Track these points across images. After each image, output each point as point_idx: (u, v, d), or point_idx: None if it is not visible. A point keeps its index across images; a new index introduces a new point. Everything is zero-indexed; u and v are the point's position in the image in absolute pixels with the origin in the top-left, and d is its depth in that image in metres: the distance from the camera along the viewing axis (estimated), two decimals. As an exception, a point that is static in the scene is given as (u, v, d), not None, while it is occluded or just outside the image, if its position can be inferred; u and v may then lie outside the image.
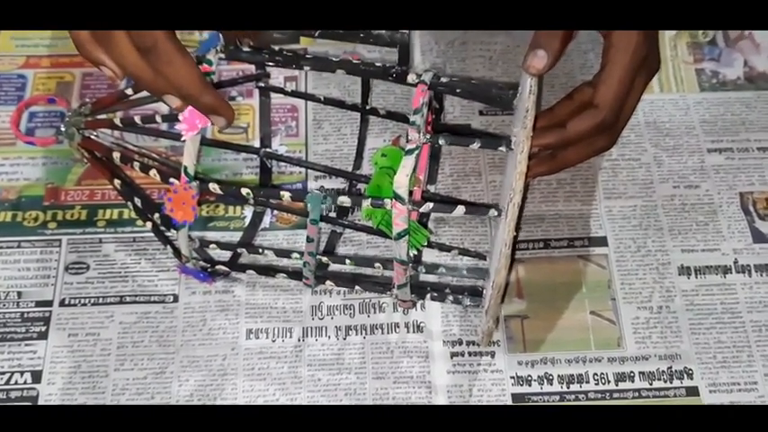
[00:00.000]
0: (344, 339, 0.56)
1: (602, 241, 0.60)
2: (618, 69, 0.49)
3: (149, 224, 0.55)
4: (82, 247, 0.60)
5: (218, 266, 0.56)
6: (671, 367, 0.55)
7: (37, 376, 0.55)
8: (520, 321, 0.57)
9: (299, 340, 0.56)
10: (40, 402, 0.53)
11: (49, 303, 0.57)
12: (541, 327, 0.57)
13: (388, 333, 0.57)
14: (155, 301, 0.57)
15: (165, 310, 0.57)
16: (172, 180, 0.49)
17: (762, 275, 0.59)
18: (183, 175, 0.49)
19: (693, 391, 0.55)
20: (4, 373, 0.55)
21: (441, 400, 0.54)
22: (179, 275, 0.58)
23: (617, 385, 0.55)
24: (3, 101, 0.66)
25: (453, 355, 0.56)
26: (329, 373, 0.55)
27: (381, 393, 0.54)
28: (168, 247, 0.56)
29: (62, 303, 0.57)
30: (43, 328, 0.56)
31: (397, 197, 0.47)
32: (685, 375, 0.55)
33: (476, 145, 0.48)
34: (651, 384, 0.55)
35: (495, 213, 0.48)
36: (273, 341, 0.56)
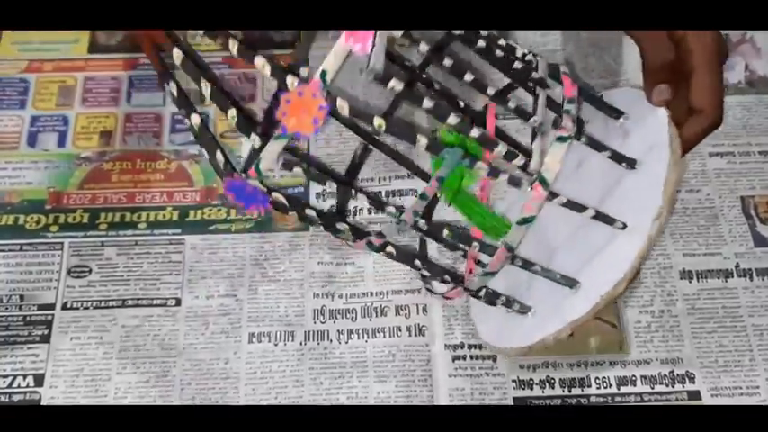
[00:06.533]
0: (346, 343, 0.56)
1: (604, 245, 0.60)
2: (710, 69, 0.48)
3: (197, 118, 0.43)
4: (84, 251, 0.60)
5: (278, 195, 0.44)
6: (673, 371, 0.55)
7: (39, 379, 0.55)
8: (522, 325, 0.57)
9: (300, 344, 0.56)
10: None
11: (51, 307, 0.57)
12: (543, 330, 0.57)
13: (390, 336, 0.57)
14: (157, 305, 0.58)
15: (167, 314, 0.57)
16: (291, 81, 0.39)
17: (763, 279, 0.59)
18: (317, 78, 0.39)
19: (695, 396, 0.55)
20: (6, 377, 0.55)
21: (442, 403, 0.54)
22: (226, 193, 0.44)
23: (619, 389, 0.55)
24: (5, 105, 0.66)
25: (455, 358, 0.56)
26: (331, 377, 0.55)
27: (383, 397, 0.54)
28: (216, 152, 0.43)
29: (64, 307, 0.57)
30: (45, 332, 0.56)
31: (543, 180, 0.43)
32: (687, 379, 0.55)
33: (606, 154, 0.47)
34: (653, 388, 0.55)
35: (620, 226, 0.46)
36: (276, 345, 0.56)
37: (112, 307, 0.57)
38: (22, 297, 0.58)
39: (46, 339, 0.56)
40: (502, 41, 0.47)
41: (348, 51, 0.39)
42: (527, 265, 0.47)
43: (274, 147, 0.41)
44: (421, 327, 0.57)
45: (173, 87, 0.43)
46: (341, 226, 0.46)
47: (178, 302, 0.58)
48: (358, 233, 0.46)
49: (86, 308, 0.57)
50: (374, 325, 0.57)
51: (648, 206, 0.45)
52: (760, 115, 0.66)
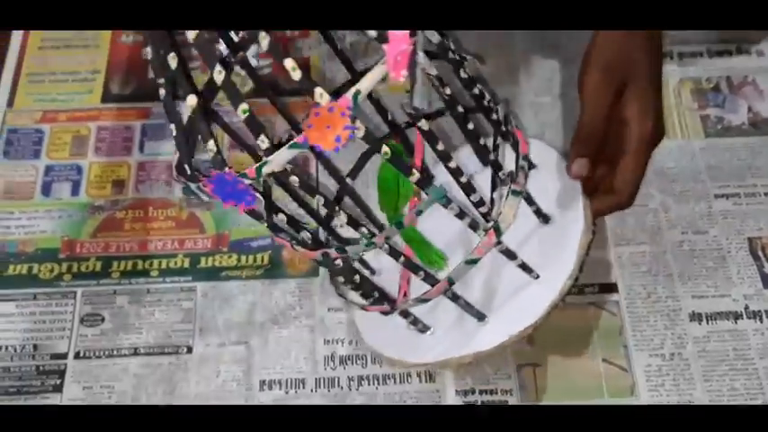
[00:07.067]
0: (357, 390, 0.56)
1: (613, 288, 0.60)
2: (638, 159, 0.53)
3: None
4: (96, 299, 0.60)
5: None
6: (685, 415, 0.55)
7: (52, 429, 0.55)
8: (532, 370, 0.57)
9: (311, 391, 0.56)
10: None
11: (64, 356, 0.58)
12: (553, 375, 0.57)
13: (400, 383, 0.57)
14: (168, 353, 0.58)
15: (178, 362, 0.58)
16: (319, 92, 0.39)
17: (773, 321, 0.59)
18: (349, 96, 0.39)
19: (708, 440, 0.54)
20: (19, 427, 0.55)
21: (454, 450, 0.54)
22: (206, 184, 0.43)
23: (631, 434, 0.55)
24: (21, 155, 0.67)
25: (466, 404, 0.56)
26: (342, 424, 0.55)
27: (395, 444, 0.54)
28: (209, 141, 0.42)
29: (77, 356, 0.58)
30: (58, 381, 0.57)
31: (497, 229, 0.46)
32: (699, 424, 0.55)
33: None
34: (665, 433, 0.55)
35: (535, 276, 0.50)
36: (287, 393, 0.56)
37: (124, 356, 0.58)
38: (35, 347, 0.58)
39: (58, 389, 0.56)
40: (477, 89, 0.50)
41: (384, 76, 0.40)
42: (455, 298, 0.50)
43: (287, 154, 0.40)
44: (431, 373, 0.57)
45: (171, 58, 0.42)
46: (304, 234, 0.48)
47: (189, 350, 0.58)
48: (318, 244, 0.48)
49: (99, 357, 0.58)
50: (384, 371, 0.57)
51: (562, 265, 0.50)
52: (765, 156, 0.66)
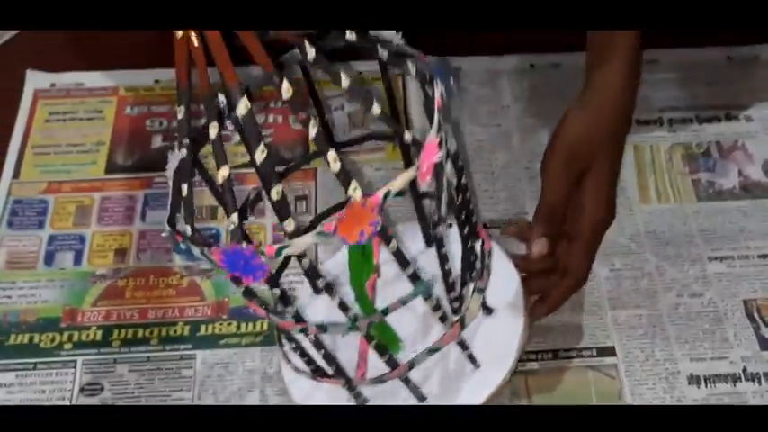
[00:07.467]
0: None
1: (611, 351, 0.61)
2: (589, 244, 0.58)
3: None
4: (96, 368, 0.60)
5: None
6: (687, 481, 0.55)
7: (48, 502, 0.54)
8: (532, 435, 0.57)
9: (310, 459, 0.56)
10: None
11: (62, 426, 0.58)
12: (554, 440, 0.57)
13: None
14: (167, 422, 0.58)
15: (177, 431, 0.57)
16: (354, 186, 0.40)
17: (772, 383, 0.59)
18: (381, 195, 0.41)
19: (712, 506, 0.54)
20: (15, 500, 0.54)
21: None
22: (214, 255, 0.43)
23: (633, 501, 0.54)
24: (24, 226, 0.69)
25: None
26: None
27: None
28: (233, 214, 0.42)
29: (75, 426, 0.58)
30: (56, 452, 0.57)
31: (463, 323, 0.49)
32: (702, 489, 0.54)
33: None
34: (668, 499, 0.54)
35: (477, 366, 0.53)
36: (285, 461, 0.56)
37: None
38: (34, 417, 0.58)
39: (56, 460, 0.56)
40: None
41: (413, 178, 0.42)
42: (407, 381, 0.51)
43: (310, 239, 0.41)
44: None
45: (213, 127, 0.42)
46: (289, 309, 0.48)
47: (188, 419, 0.58)
48: (299, 319, 0.48)
49: (97, 426, 0.58)
50: (384, 438, 0.57)
51: (502, 358, 0.53)
52: (756, 219, 0.67)
